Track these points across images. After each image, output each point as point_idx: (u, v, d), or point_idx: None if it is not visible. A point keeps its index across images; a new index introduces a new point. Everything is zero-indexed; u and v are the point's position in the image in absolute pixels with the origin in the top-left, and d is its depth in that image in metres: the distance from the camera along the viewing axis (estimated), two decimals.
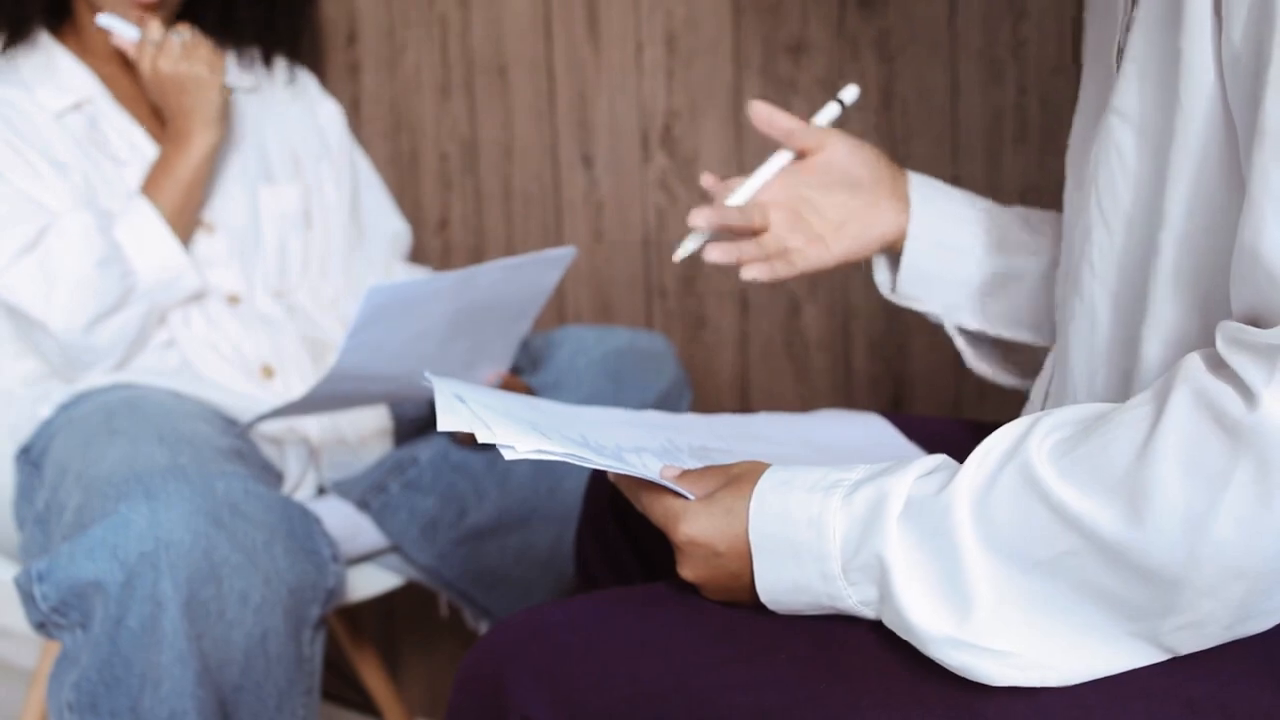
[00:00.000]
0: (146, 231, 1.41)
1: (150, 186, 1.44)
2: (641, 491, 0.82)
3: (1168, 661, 0.69)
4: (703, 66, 1.58)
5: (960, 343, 1.07)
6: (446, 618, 1.60)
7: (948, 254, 1.03)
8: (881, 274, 1.08)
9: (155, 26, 1.46)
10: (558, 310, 1.73)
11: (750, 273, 1.02)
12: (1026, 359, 1.09)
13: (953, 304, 1.05)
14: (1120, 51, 0.83)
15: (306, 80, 1.67)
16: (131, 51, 1.47)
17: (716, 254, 1.00)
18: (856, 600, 0.73)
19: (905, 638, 0.71)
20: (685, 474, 0.82)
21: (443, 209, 1.82)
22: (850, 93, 1.06)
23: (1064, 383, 0.87)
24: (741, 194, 1.02)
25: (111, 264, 1.38)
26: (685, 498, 0.80)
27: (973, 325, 1.05)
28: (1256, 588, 0.64)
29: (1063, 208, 0.97)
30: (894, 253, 1.06)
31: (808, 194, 1.04)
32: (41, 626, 1.18)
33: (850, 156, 1.03)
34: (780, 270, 1.03)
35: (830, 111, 1.06)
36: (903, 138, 1.48)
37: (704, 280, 1.63)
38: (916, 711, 0.70)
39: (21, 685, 1.99)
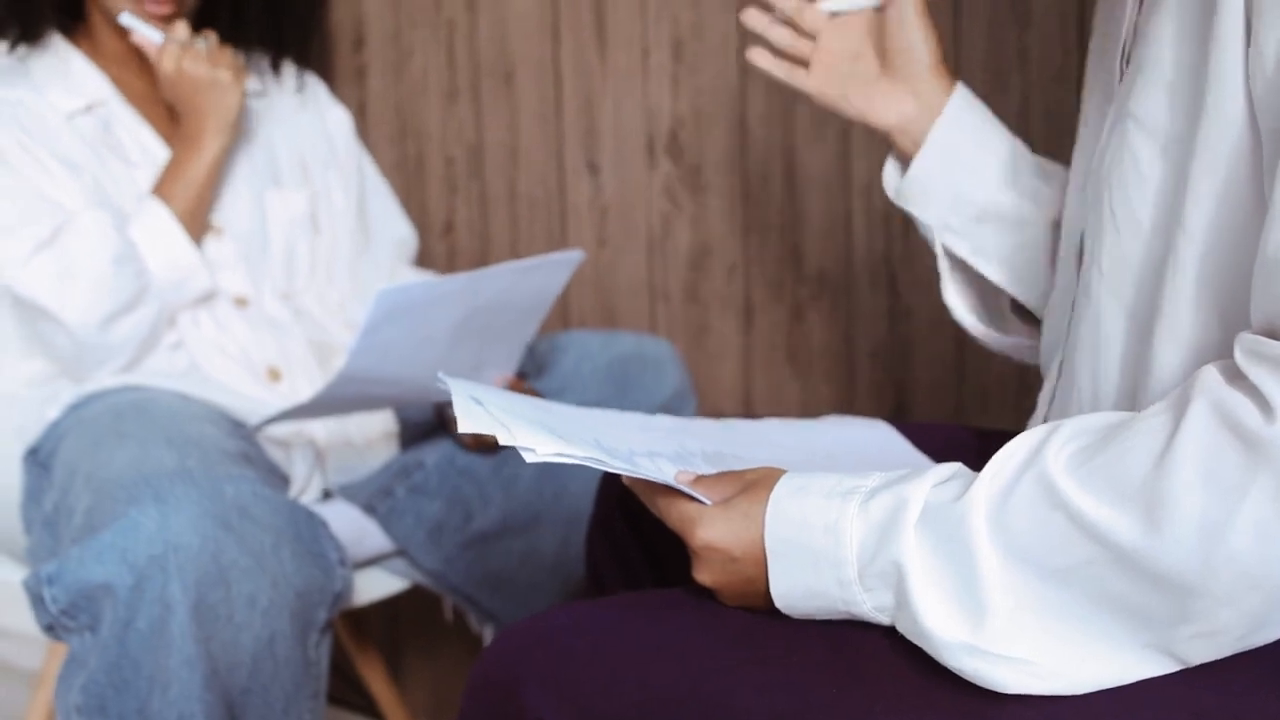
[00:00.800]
0: (159, 231, 1.42)
1: (162, 188, 1.45)
2: (657, 496, 0.82)
3: (1179, 672, 0.69)
4: (709, 73, 1.59)
5: (943, 265, 1.08)
6: (451, 622, 1.60)
7: (959, 172, 1.05)
8: (890, 174, 1.10)
9: (182, 27, 1.47)
10: (562, 315, 1.74)
11: (753, 55, 1.10)
12: (997, 307, 1.10)
13: (946, 223, 1.06)
14: (1125, 56, 0.83)
15: (315, 86, 1.68)
16: (151, 53, 1.47)
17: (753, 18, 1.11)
18: (872, 606, 0.74)
19: (920, 644, 0.72)
20: (700, 479, 0.82)
21: (448, 213, 1.82)
22: None
23: (1069, 386, 0.87)
24: (829, 5, 1.08)
25: (127, 262, 1.39)
26: (701, 502, 0.80)
27: (959, 251, 1.07)
28: (1272, 598, 0.64)
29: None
30: (900, 151, 1.08)
31: (862, 42, 1.08)
32: (50, 629, 1.19)
33: (896, 33, 1.05)
34: (780, 70, 1.10)
35: None
36: None
37: (708, 286, 1.64)
38: (930, 717, 0.71)
39: (23, 686, 2.00)
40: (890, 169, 1.09)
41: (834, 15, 1.08)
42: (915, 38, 1.05)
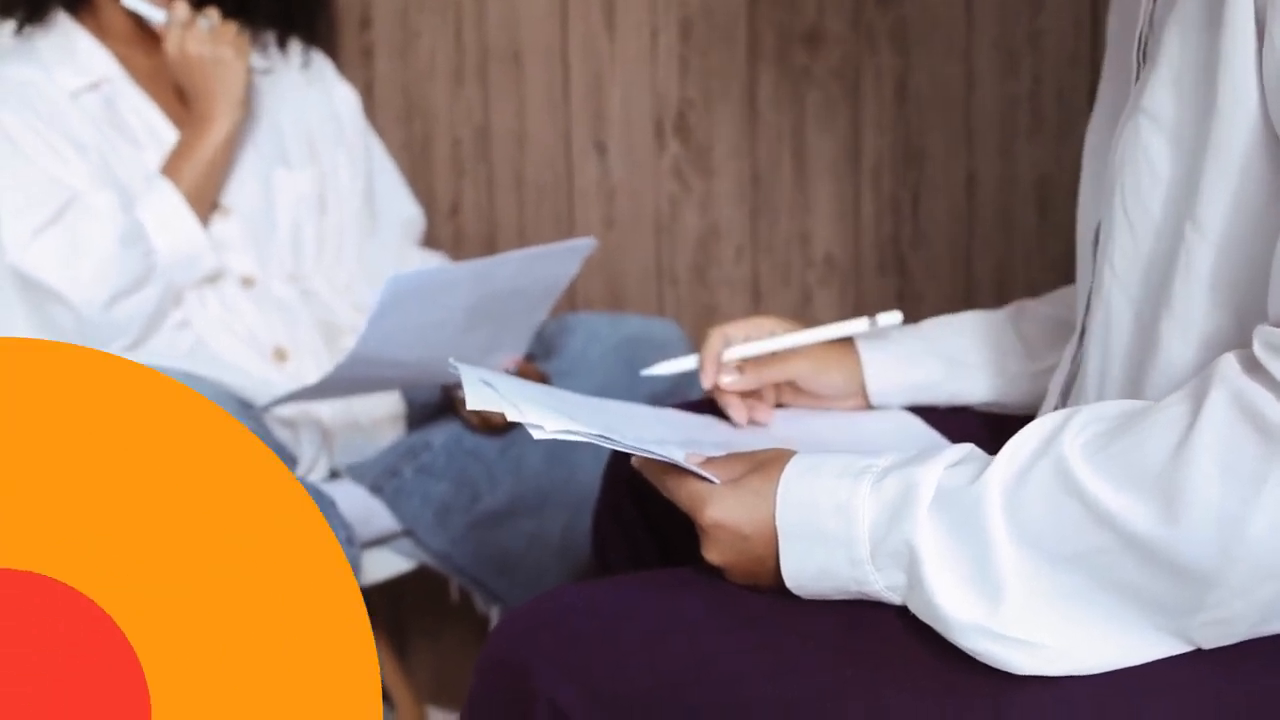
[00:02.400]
0: (167, 210, 1.42)
1: (171, 168, 1.45)
2: (666, 476, 0.82)
3: (1197, 656, 0.69)
4: (718, 55, 1.59)
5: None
6: (457, 603, 1.60)
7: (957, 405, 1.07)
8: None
9: (182, 8, 1.47)
10: (570, 297, 1.73)
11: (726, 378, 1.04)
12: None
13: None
14: (1142, 48, 0.83)
15: (322, 64, 1.67)
16: (164, 33, 1.47)
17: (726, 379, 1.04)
18: (884, 585, 0.74)
19: (933, 625, 0.72)
20: (710, 460, 0.82)
21: (455, 195, 1.82)
22: (890, 318, 1.07)
23: (1081, 376, 0.87)
24: (735, 353, 1.04)
25: (134, 242, 1.39)
26: (711, 482, 0.80)
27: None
28: None
29: (1077, 199, 0.97)
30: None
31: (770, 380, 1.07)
32: None
33: (814, 380, 1.07)
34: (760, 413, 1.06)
35: (853, 326, 1.07)
36: (917, 129, 1.49)
37: (716, 268, 1.63)
38: (942, 698, 0.71)
39: None
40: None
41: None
42: (835, 378, 1.06)
